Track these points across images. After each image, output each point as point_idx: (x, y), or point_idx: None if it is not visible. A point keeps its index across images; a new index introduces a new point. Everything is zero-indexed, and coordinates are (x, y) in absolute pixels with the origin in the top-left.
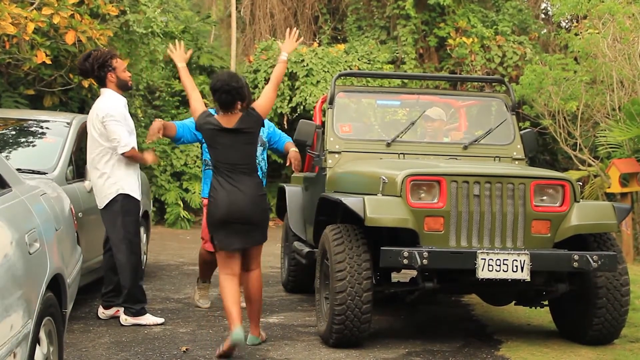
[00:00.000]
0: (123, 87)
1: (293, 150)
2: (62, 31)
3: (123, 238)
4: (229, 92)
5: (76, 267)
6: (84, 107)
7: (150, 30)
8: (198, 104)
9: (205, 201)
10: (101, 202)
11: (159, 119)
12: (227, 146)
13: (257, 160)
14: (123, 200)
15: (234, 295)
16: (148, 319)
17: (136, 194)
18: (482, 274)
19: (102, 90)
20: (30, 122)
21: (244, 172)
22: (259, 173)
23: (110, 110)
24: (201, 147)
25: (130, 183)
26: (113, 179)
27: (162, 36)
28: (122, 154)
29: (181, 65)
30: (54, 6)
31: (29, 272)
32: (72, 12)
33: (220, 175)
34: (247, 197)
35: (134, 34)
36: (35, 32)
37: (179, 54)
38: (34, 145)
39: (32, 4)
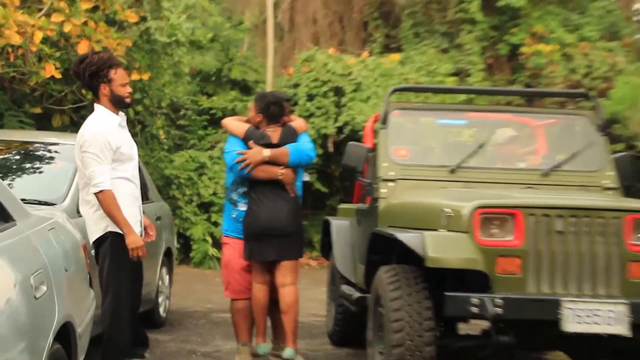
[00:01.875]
0: (118, 104)
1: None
2: (73, 41)
3: (107, 284)
4: (281, 105)
5: (88, 313)
6: None
7: (174, 39)
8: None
9: (226, 239)
10: (90, 238)
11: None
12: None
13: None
14: (113, 239)
15: (264, 307)
16: None
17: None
18: (569, 326)
19: (95, 105)
20: (36, 145)
21: (283, 187)
22: None
23: (91, 139)
24: (226, 172)
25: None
26: (100, 212)
27: (187, 46)
28: (95, 194)
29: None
30: (65, 12)
31: (34, 319)
32: (85, 19)
33: (261, 188)
34: (287, 210)
35: (156, 44)
36: (43, 42)
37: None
38: (40, 172)
39: (40, 10)
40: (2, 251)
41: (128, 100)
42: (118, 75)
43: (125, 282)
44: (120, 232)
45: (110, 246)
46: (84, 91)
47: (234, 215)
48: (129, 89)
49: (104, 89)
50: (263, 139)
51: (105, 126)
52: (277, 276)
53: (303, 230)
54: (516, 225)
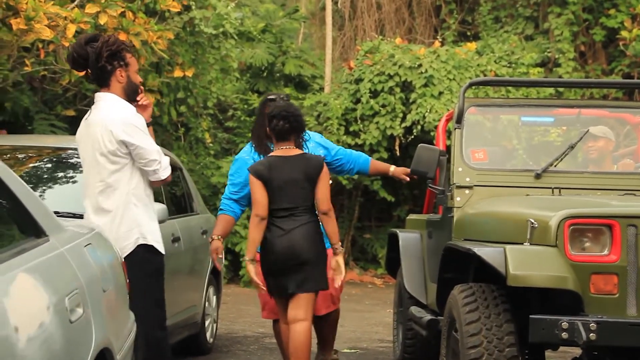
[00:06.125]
0: (132, 95)
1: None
2: (110, 34)
3: (150, 306)
4: (286, 117)
5: (128, 339)
6: None
7: (221, 30)
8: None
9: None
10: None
11: (217, 240)
12: (282, 182)
13: None
14: (144, 254)
15: (307, 347)
16: None
17: (160, 245)
18: None
19: (101, 94)
20: (70, 151)
21: (302, 212)
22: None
23: (132, 119)
24: None
25: (152, 229)
26: (127, 223)
27: (236, 38)
28: (162, 180)
29: None
30: (100, 3)
31: (69, 346)
32: (122, 10)
33: (274, 217)
34: (302, 233)
35: (201, 36)
36: (76, 36)
37: None
38: (74, 181)
39: (72, 0)
40: (34, 270)
41: (141, 90)
42: (133, 61)
43: (163, 306)
44: (154, 244)
45: (143, 263)
46: None
47: None
48: (139, 78)
49: (120, 74)
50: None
51: (133, 110)
52: (289, 309)
53: (324, 256)
54: (613, 238)
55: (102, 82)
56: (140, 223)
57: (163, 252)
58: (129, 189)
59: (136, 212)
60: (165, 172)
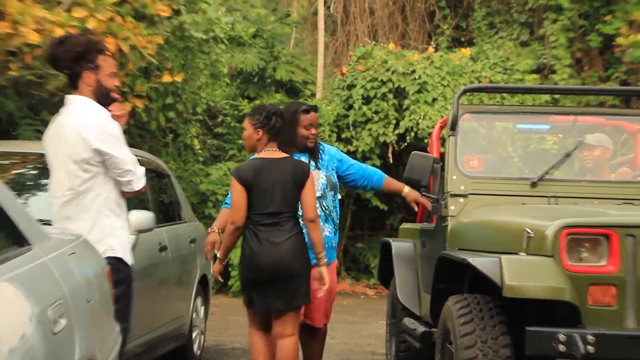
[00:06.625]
0: (102, 99)
1: (413, 192)
2: (81, 34)
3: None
4: (282, 117)
5: (113, 351)
6: None
7: (211, 35)
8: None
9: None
10: None
11: (215, 232)
12: (270, 184)
13: (328, 210)
14: (115, 267)
15: (266, 355)
16: None
17: (129, 257)
18: None
19: (72, 97)
20: None
21: (286, 221)
22: (331, 226)
23: (106, 126)
24: None
25: (121, 240)
26: (96, 233)
27: (226, 43)
28: (136, 191)
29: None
30: (89, 6)
31: (52, 358)
32: (111, 14)
33: (256, 220)
34: (289, 245)
35: (191, 41)
36: None
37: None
38: None
39: (59, 3)
40: (16, 279)
41: (115, 95)
42: (107, 63)
43: (131, 321)
44: (122, 257)
45: (113, 276)
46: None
47: None
48: (117, 82)
49: (88, 78)
50: (251, 163)
51: (106, 115)
52: (275, 324)
53: (309, 269)
54: (611, 248)
55: (72, 84)
56: (110, 234)
57: (130, 263)
58: (100, 198)
59: (107, 223)
60: (139, 184)
